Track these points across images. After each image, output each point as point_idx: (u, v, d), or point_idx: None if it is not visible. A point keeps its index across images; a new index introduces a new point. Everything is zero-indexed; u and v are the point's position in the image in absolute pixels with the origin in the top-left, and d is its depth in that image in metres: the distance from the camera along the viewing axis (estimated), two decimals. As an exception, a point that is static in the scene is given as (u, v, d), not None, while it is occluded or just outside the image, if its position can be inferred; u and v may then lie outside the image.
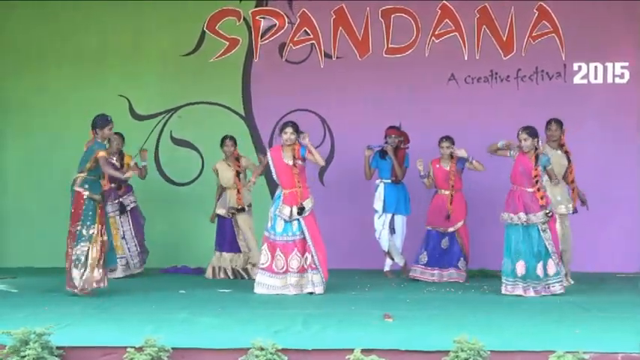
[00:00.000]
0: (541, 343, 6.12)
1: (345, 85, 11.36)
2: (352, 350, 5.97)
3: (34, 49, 11.65)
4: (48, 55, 11.63)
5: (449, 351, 5.96)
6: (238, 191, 10.30)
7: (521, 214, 8.71)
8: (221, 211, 10.36)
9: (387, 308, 7.57)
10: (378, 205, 10.36)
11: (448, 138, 10.04)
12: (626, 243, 11.01)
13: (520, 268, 8.70)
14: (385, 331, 6.56)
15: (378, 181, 10.43)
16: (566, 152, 9.61)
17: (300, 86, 11.39)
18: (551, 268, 8.70)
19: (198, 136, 11.41)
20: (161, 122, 11.56)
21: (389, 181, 10.35)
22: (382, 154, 10.38)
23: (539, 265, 8.69)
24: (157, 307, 7.85)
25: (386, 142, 10.33)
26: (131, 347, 6.04)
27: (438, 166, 10.09)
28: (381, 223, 10.35)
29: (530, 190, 8.76)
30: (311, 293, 8.84)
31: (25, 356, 5.95)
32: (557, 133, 9.63)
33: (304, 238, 8.92)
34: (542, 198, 8.71)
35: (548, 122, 9.67)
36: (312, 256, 8.86)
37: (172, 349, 6.10)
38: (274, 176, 9.15)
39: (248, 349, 6.03)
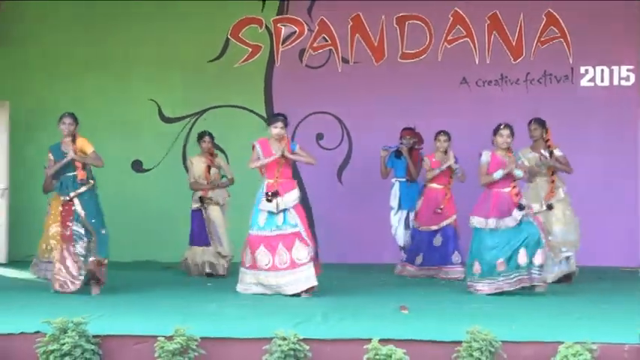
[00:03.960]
0: (551, 334, 6.24)
1: (362, 89, 11.52)
2: (370, 340, 6.10)
3: (64, 56, 11.83)
4: (79, 63, 11.77)
5: (462, 341, 6.11)
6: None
7: (491, 220, 8.45)
8: (195, 205, 10.18)
9: (403, 301, 7.68)
10: (394, 202, 10.49)
11: (445, 132, 10.11)
12: (629, 238, 11.11)
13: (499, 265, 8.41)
14: (401, 323, 6.68)
15: (393, 180, 10.57)
16: (549, 147, 9.41)
17: (319, 90, 11.61)
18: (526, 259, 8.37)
19: (222, 138, 11.33)
20: (188, 125, 11.80)
21: (404, 179, 10.49)
22: (397, 154, 10.50)
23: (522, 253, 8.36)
24: (183, 299, 7.98)
25: (401, 143, 10.47)
26: (162, 336, 6.21)
27: (434, 160, 10.15)
28: (397, 219, 10.50)
29: (507, 190, 8.52)
30: (299, 295, 8.25)
31: (64, 344, 6.16)
32: (537, 132, 9.53)
33: (290, 233, 8.40)
34: (516, 195, 8.45)
35: (529, 122, 9.60)
36: (306, 248, 8.34)
37: (200, 338, 6.25)
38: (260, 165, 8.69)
39: (271, 338, 6.18)
